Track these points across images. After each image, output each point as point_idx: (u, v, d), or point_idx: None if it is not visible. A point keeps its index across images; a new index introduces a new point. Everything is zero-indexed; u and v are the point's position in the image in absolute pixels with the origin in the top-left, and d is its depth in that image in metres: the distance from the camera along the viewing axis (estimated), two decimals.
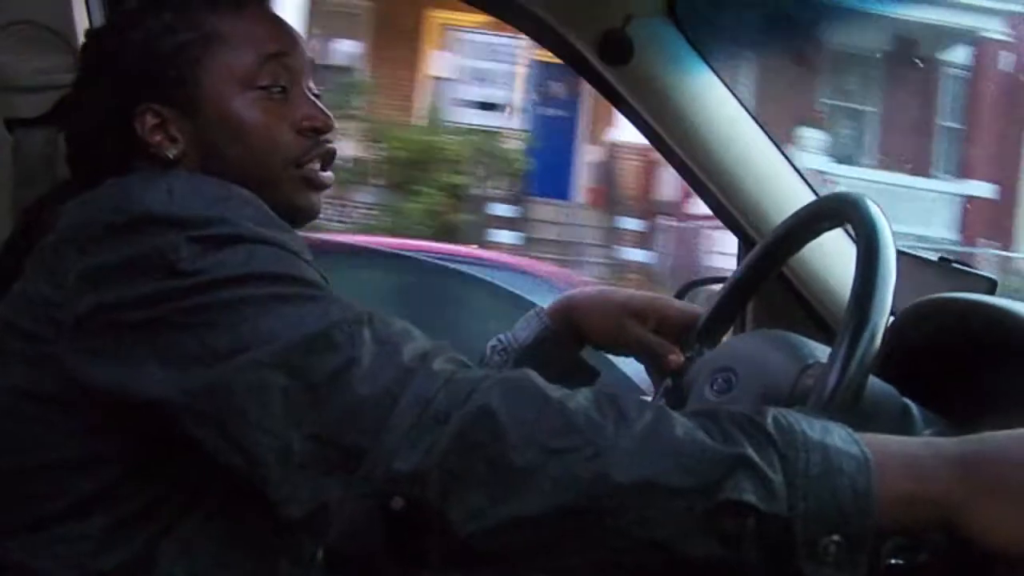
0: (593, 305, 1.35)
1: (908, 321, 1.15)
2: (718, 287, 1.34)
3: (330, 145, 1.11)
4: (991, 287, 1.33)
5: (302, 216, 1.09)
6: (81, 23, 1.49)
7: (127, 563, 0.93)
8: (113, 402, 0.90)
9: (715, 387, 1.16)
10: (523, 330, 1.36)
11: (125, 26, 1.09)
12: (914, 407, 1.06)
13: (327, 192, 1.12)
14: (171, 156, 1.06)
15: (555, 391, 0.82)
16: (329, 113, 1.10)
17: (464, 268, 4.27)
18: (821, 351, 1.04)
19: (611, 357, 1.50)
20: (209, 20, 1.07)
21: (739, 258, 1.64)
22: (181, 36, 1.06)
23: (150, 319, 0.88)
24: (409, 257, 4.32)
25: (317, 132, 1.09)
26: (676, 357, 1.27)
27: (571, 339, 1.35)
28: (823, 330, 1.56)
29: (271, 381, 0.83)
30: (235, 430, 0.84)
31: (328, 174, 1.11)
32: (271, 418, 0.82)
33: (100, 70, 1.09)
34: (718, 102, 1.52)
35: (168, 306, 0.88)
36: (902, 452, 0.79)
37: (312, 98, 1.11)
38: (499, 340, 1.37)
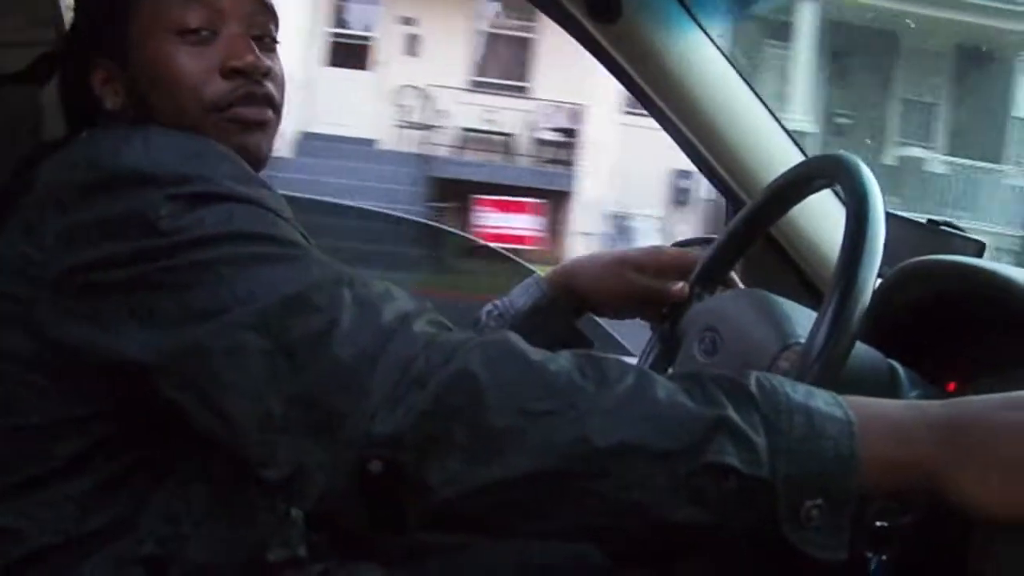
0: (592, 264, 1.38)
1: (896, 283, 1.15)
2: (704, 248, 1.35)
3: (260, 87, 1.06)
4: (980, 250, 1.33)
5: (246, 160, 1.01)
6: None
7: (110, 525, 0.93)
8: (92, 363, 0.89)
9: (702, 346, 1.16)
10: (520, 296, 1.37)
11: None
12: (900, 369, 1.06)
13: None
14: (109, 108, 1.06)
15: (536, 354, 0.81)
16: (259, 54, 1.06)
17: None
18: (803, 328, 1.03)
19: (605, 325, 1.52)
20: None
21: (727, 218, 1.64)
22: None
23: (129, 279, 0.87)
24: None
25: (242, 74, 1.05)
26: (679, 287, 1.31)
27: (569, 306, 1.37)
28: (810, 291, 1.56)
29: (249, 343, 0.82)
30: (213, 392, 0.83)
31: (263, 111, 1.07)
32: (249, 380, 0.82)
33: (73, 28, 1.12)
34: (708, 61, 1.50)
35: (147, 266, 0.87)
36: (886, 415, 0.79)
37: (246, 39, 1.06)
38: (495, 306, 1.37)
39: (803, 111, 14.82)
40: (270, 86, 1.08)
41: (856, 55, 15.80)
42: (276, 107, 1.09)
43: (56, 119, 1.15)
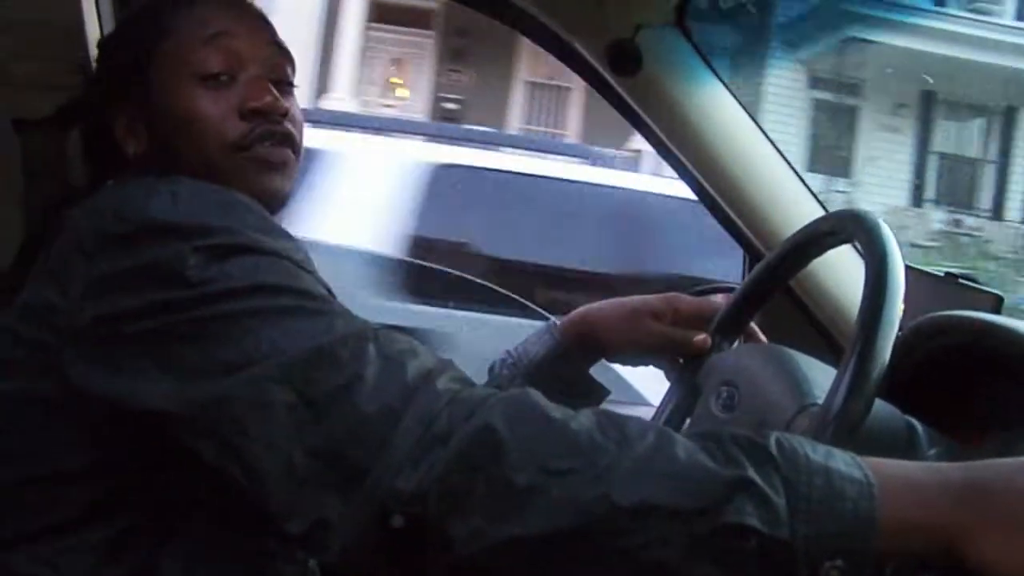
0: (610, 311, 1.36)
1: (913, 338, 1.15)
2: (722, 297, 1.34)
3: (278, 126, 1.08)
4: (997, 304, 1.33)
5: (267, 202, 1.05)
6: (91, 23, 1.49)
7: (129, 573, 0.93)
8: (115, 412, 0.90)
9: (720, 401, 1.16)
10: (534, 345, 1.36)
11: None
12: (918, 426, 1.05)
13: None
14: (130, 153, 1.08)
15: (557, 411, 0.81)
16: (277, 95, 1.08)
17: None
18: (821, 389, 1.03)
19: (621, 372, 1.51)
20: (165, 14, 1.08)
21: (744, 272, 1.64)
22: (137, 33, 1.08)
23: (154, 329, 0.88)
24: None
25: (260, 114, 1.07)
26: (701, 338, 1.29)
27: (583, 355, 1.36)
28: (830, 345, 1.56)
29: (274, 396, 0.82)
30: (236, 444, 0.84)
31: (283, 151, 1.08)
32: (273, 433, 0.82)
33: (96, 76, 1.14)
34: (727, 113, 1.51)
35: (172, 317, 0.88)
36: (906, 478, 0.79)
37: (264, 82, 1.08)
38: (509, 354, 1.37)
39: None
40: (289, 127, 1.09)
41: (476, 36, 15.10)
42: (296, 148, 1.10)
43: (80, 164, 1.16)
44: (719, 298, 1.35)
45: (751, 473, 0.76)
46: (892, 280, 0.97)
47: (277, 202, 1.08)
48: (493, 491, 0.76)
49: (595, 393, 1.37)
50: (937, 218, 14.51)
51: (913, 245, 12.07)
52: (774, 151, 1.54)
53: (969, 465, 0.80)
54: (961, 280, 1.40)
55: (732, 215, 1.57)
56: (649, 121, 1.53)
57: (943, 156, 15.76)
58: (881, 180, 14.49)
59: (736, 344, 1.30)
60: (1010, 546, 0.75)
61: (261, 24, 1.12)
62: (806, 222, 1.22)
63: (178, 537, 0.95)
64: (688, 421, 1.27)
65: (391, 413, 0.80)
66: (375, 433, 0.80)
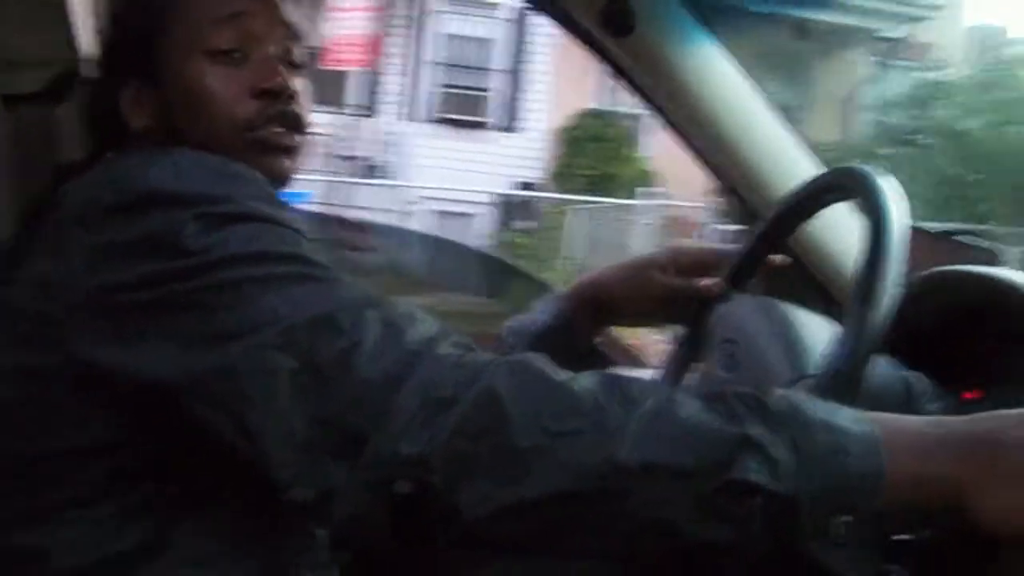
0: (614, 271, 1.39)
1: (913, 294, 1.15)
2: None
3: (288, 107, 1.08)
4: (993, 259, 1.33)
5: (270, 182, 1.03)
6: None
7: (139, 549, 0.93)
8: (119, 384, 0.90)
9: (722, 359, 1.16)
10: (541, 313, 1.37)
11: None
12: (919, 381, 1.06)
13: None
14: (137, 128, 1.06)
15: (561, 374, 0.81)
16: (288, 76, 1.07)
17: None
18: (819, 357, 1.03)
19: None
20: None
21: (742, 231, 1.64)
22: (147, 5, 1.07)
23: (154, 299, 0.88)
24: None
25: (272, 95, 1.07)
26: (708, 283, 1.30)
27: (589, 323, 1.37)
28: (828, 302, 1.55)
29: (276, 363, 0.82)
30: (240, 412, 0.84)
31: (291, 135, 1.08)
32: (276, 400, 0.82)
33: (104, 46, 1.12)
34: (722, 74, 1.50)
35: (173, 286, 0.87)
36: (910, 432, 0.79)
37: (276, 62, 1.08)
38: (515, 323, 1.37)
39: None
40: (298, 107, 1.09)
41: None
42: (303, 129, 1.10)
43: (71, 138, 1.16)
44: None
45: (755, 430, 0.76)
46: (892, 235, 0.97)
47: (283, 183, 1.08)
48: (498, 454, 0.77)
49: (600, 363, 1.37)
50: None
51: None
52: (770, 111, 1.54)
53: (973, 418, 0.80)
54: (957, 236, 1.40)
55: (728, 175, 1.57)
56: (644, 82, 1.53)
57: None
58: None
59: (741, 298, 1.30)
60: (1015, 500, 0.75)
61: (276, 2, 1.10)
62: (802, 180, 1.23)
63: (188, 512, 0.95)
64: (691, 376, 1.28)
65: (393, 379, 0.80)
66: (378, 399, 0.80)
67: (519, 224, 14.23)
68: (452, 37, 16.00)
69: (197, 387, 0.86)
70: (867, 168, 1.06)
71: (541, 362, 0.82)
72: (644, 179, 14.46)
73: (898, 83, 13.41)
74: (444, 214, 13.58)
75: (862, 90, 14.07)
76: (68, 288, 0.91)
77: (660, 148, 13.29)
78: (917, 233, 1.36)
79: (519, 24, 15.69)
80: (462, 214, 14.26)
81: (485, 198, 14.47)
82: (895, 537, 0.94)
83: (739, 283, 1.30)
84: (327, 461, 0.81)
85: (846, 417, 0.78)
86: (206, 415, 0.86)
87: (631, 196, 13.89)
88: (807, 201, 1.21)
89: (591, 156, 14.98)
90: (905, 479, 0.76)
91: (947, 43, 13.78)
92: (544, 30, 15.34)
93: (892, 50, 13.80)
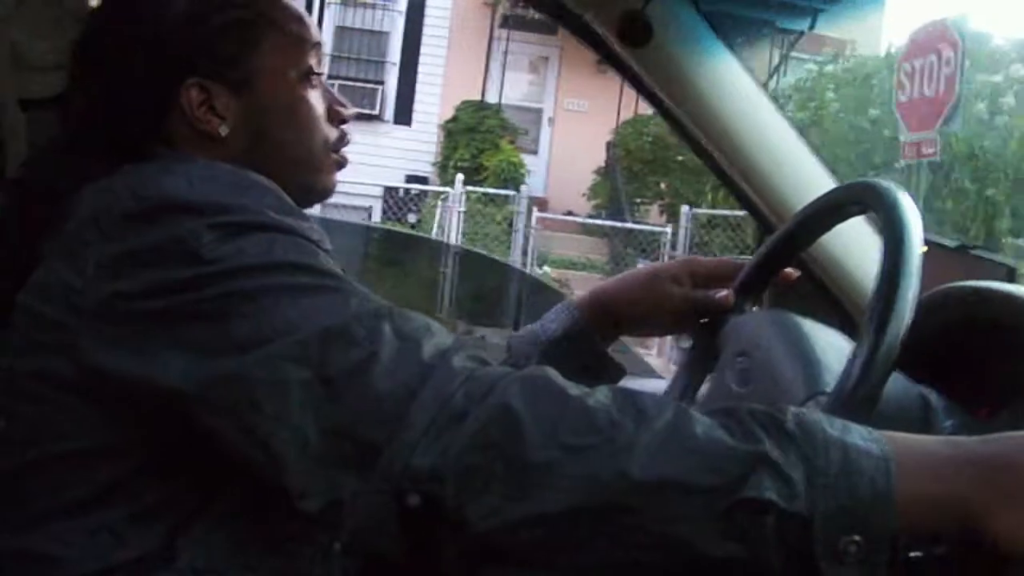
0: (628, 280, 1.37)
1: (928, 309, 1.14)
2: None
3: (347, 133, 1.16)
4: (1010, 274, 1.32)
5: (326, 196, 1.14)
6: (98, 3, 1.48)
7: (147, 555, 0.93)
8: (131, 391, 0.90)
9: (735, 374, 1.16)
10: (552, 322, 1.35)
11: None
12: (933, 397, 1.05)
13: None
14: (221, 134, 1.05)
15: (575, 389, 0.81)
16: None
17: None
18: (832, 375, 1.02)
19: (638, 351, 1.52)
20: (259, 1, 1.08)
21: (758, 243, 1.63)
22: (235, 13, 1.06)
23: (170, 307, 0.88)
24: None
25: (344, 121, 1.14)
26: (723, 294, 1.29)
27: (601, 332, 1.36)
28: (843, 318, 1.55)
29: (289, 374, 0.83)
30: (252, 422, 0.84)
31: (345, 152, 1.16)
32: (288, 411, 0.82)
33: (133, 42, 1.04)
34: (738, 85, 1.51)
35: (188, 295, 0.88)
36: (923, 452, 0.79)
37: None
38: (526, 332, 1.37)
39: None
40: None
41: None
42: None
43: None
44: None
45: (769, 448, 0.76)
46: (910, 257, 0.96)
47: (327, 198, 1.15)
48: (510, 469, 0.77)
49: (612, 371, 1.36)
50: None
51: None
52: (785, 123, 1.54)
53: (987, 438, 0.79)
54: (973, 251, 1.40)
55: (743, 186, 1.57)
56: (660, 92, 1.53)
57: None
58: None
59: (755, 309, 1.30)
60: None
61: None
62: (817, 194, 1.22)
63: (197, 519, 0.95)
64: (704, 389, 1.27)
65: (407, 391, 0.80)
66: (390, 411, 0.80)
67: (411, 217, 14.65)
68: (346, 29, 16.28)
69: (209, 396, 0.86)
70: (885, 183, 1.06)
71: (555, 376, 0.82)
72: (514, 170, 14.77)
73: (795, 75, 13.45)
74: (337, 207, 13.63)
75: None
76: (82, 294, 0.91)
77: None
78: (932, 246, 1.36)
79: (414, 17, 16.06)
80: (355, 207, 14.43)
81: (378, 191, 14.80)
82: (907, 555, 0.93)
83: (750, 294, 1.29)
84: (339, 471, 0.81)
85: (860, 436, 0.78)
86: (217, 424, 0.86)
87: (504, 187, 14.20)
88: (824, 215, 1.20)
89: (468, 148, 15.33)
90: (918, 499, 0.76)
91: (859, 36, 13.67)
92: (439, 23, 15.93)
93: (795, 42, 13.71)
